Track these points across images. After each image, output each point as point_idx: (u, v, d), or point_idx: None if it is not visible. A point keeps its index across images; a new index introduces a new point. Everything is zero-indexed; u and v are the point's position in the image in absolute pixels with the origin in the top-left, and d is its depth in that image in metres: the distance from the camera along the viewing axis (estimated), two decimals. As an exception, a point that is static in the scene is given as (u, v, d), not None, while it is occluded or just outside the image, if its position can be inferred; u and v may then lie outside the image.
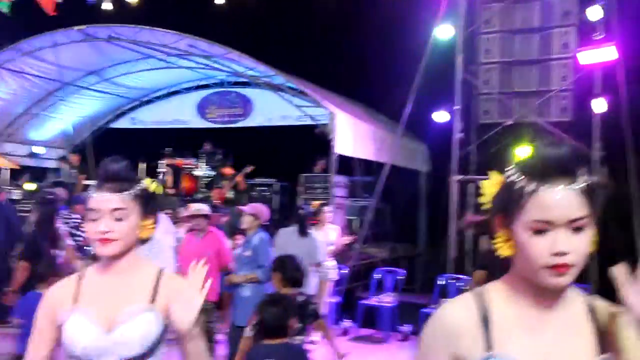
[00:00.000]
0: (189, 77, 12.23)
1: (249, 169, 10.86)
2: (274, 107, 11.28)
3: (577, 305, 1.28)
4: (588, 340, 1.24)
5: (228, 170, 11.39)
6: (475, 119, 8.88)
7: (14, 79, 11.01)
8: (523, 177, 1.21)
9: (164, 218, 5.42)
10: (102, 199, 1.71)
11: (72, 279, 1.81)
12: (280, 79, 9.69)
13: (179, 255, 5.85)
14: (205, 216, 5.72)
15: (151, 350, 1.70)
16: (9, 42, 9.99)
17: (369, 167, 10.68)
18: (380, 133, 9.97)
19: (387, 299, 7.43)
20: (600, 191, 1.21)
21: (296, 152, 10.53)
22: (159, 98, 13.08)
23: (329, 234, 6.96)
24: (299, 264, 3.96)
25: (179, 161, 12.05)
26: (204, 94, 12.62)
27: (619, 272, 1.18)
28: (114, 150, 7.53)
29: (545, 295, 1.25)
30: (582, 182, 1.18)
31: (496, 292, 1.30)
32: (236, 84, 12.11)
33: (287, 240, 6.09)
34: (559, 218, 1.17)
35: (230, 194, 10.84)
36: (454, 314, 1.29)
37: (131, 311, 1.70)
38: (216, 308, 5.68)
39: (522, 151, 8.86)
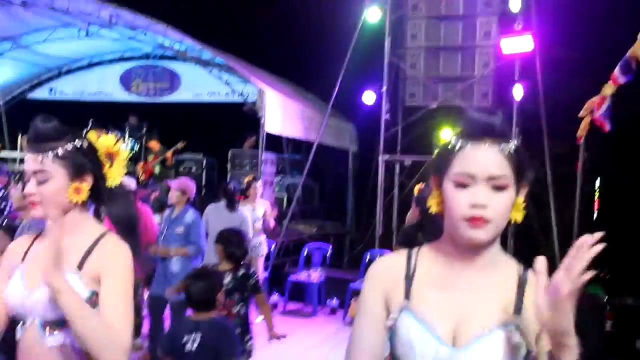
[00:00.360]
0: (112, 48, 11.75)
1: (181, 144, 10.68)
2: (202, 82, 11.06)
3: (506, 272, 1.35)
4: (500, 304, 1.30)
5: (154, 144, 11.14)
6: (402, 101, 9.11)
7: None
8: (454, 137, 1.33)
9: None
10: (27, 160, 1.68)
11: (31, 237, 1.81)
12: (208, 54, 9.51)
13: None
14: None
15: None
16: None
17: (298, 145, 10.75)
18: (309, 112, 10.03)
19: (315, 274, 7.58)
20: (525, 161, 1.32)
21: (225, 129, 10.43)
22: (79, 69, 12.50)
23: (258, 209, 7.00)
24: (241, 241, 3.88)
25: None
26: (128, 66, 12.16)
27: (541, 265, 1.21)
28: (31, 122, 7.17)
29: (467, 255, 1.33)
30: (506, 145, 1.28)
31: (426, 251, 1.41)
32: (163, 57, 11.76)
33: (216, 215, 6.13)
34: (480, 172, 1.27)
35: (156, 169, 10.64)
36: (386, 264, 1.43)
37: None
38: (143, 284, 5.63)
39: (446, 134, 9.23)
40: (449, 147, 1.33)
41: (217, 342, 2.90)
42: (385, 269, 1.41)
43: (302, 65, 10.73)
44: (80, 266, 1.65)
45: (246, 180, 7.30)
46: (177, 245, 5.07)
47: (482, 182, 1.27)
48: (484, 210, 1.26)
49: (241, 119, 9.22)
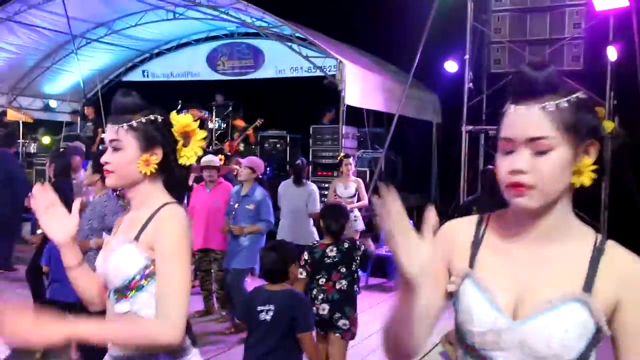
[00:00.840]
0: (198, 29, 12.12)
1: (259, 122, 10.89)
2: (284, 58, 11.17)
3: (579, 242, 1.24)
4: (567, 278, 1.21)
5: (239, 122, 11.43)
6: (487, 68, 8.76)
7: (24, 32, 11.02)
8: (508, 101, 1.24)
9: None
10: (106, 131, 1.76)
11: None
12: (288, 29, 9.57)
13: (190, 207, 6.00)
14: (216, 168, 5.82)
15: (131, 284, 1.68)
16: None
17: (380, 118, 10.64)
18: (389, 84, 9.89)
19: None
20: (585, 118, 1.19)
21: (306, 104, 10.50)
22: (169, 50, 13.01)
23: (350, 186, 7.04)
24: (339, 215, 3.87)
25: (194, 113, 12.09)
26: (214, 45, 12.52)
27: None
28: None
29: (529, 223, 1.25)
30: (551, 102, 1.17)
31: (495, 219, 1.34)
32: (246, 35, 11.99)
33: (285, 191, 6.25)
34: (518, 135, 1.18)
35: (241, 146, 10.92)
36: (455, 227, 1.38)
37: (115, 242, 1.75)
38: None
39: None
40: (502, 111, 1.25)
41: (290, 312, 2.96)
42: (453, 232, 1.37)
43: (383, 36, 10.57)
44: (137, 237, 1.70)
45: (339, 157, 7.36)
46: (248, 221, 5.23)
47: (521, 145, 1.18)
48: (523, 176, 1.17)
49: (322, 94, 9.24)
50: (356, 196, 7.02)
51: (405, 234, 1.12)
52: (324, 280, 3.74)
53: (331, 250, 3.77)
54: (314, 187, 6.36)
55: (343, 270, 3.72)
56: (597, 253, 1.22)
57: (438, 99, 11.28)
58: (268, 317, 2.95)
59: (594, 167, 1.20)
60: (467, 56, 8.36)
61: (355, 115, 9.49)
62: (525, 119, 1.18)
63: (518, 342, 1.20)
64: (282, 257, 3.11)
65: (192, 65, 12.75)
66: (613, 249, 1.23)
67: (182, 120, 1.79)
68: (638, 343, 1.17)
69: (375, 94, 9.44)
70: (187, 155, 1.79)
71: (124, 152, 1.72)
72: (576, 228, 1.27)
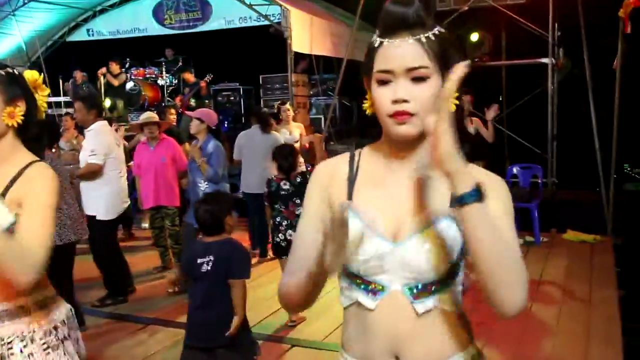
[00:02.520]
0: (141, -18, 11.73)
1: (208, 77, 10.74)
2: (232, 8, 10.88)
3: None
4: (438, 198, 1.28)
5: (189, 77, 11.25)
6: (433, 5, 8.72)
7: (-45, -4, 10.52)
8: (375, 35, 1.27)
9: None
10: None
11: None
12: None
13: (134, 165, 5.96)
14: (156, 124, 5.74)
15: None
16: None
17: (331, 64, 10.57)
18: (338, 28, 9.79)
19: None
20: (450, 49, 1.24)
21: (257, 54, 10.36)
22: (112, 7, 12.54)
23: (293, 132, 7.07)
24: (289, 154, 4.50)
25: (141, 71, 11.85)
26: (159, -1, 12.14)
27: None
28: (72, 65, 7.39)
29: (404, 152, 1.31)
30: (423, 34, 1.22)
31: (367, 152, 1.39)
32: (191, -14, 11.65)
33: (249, 140, 6.23)
34: (397, 67, 1.22)
35: (192, 101, 10.79)
36: (328, 168, 1.41)
37: None
38: (179, 213, 5.85)
39: (476, 37, 8.86)
40: (370, 46, 1.28)
41: (227, 261, 2.99)
42: (327, 171, 1.40)
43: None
44: (4, 194, 1.68)
45: (276, 105, 7.33)
46: (200, 173, 5.17)
47: (401, 76, 1.22)
48: (407, 105, 1.22)
49: (272, 43, 9.12)
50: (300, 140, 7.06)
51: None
52: (283, 208, 4.40)
53: (285, 184, 4.43)
54: (278, 136, 6.34)
55: (298, 201, 4.33)
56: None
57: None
58: (209, 268, 2.99)
59: (457, 94, 1.24)
60: (412, -5, 8.29)
61: (309, 62, 9.42)
62: (403, 51, 1.22)
63: (400, 263, 1.26)
64: (216, 209, 3.11)
65: (138, 21, 12.34)
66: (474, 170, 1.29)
67: (28, 74, 1.81)
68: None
69: (324, 39, 9.35)
70: (41, 105, 1.85)
71: None
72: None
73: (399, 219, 1.29)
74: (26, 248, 1.58)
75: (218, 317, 2.97)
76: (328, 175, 1.40)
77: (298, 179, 4.46)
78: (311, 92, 10.34)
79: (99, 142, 5.01)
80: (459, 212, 1.17)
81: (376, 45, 1.26)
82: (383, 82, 1.25)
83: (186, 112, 5.86)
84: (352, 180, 1.36)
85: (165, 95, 11.67)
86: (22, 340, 1.72)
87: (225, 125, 10.43)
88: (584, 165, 8.01)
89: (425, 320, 1.28)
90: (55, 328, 1.79)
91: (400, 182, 1.32)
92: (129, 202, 5.50)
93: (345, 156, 1.41)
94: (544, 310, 4.55)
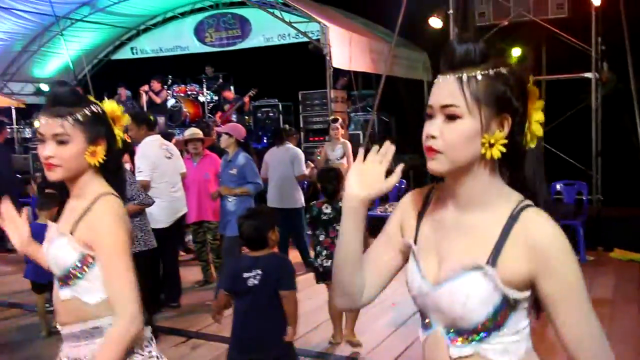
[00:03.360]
0: (182, 1, 12.01)
1: (253, 91, 10.89)
2: (271, 26, 11.06)
3: (498, 210, 1.26)
4: (478, 248, 1.25)
5: (229, 94, 11.42)
6: (472, 21, 8.68)
7: (7, 18, 10.96)
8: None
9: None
10: (45, 124, 1.71)
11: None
12: (272, -4, 9.49)
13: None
14: (200, 140, 5.86)
15: (69, 274, 1.74)
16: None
17: (370, 80, 10.60)
18: (376, 45, 9.82)
19: (391, 209, 7.59)
20: (498, 93, 1.20)
21: (296, 71, 10.46)
22: (155, 25, 12.91)
23: (337, 149, 7.12)
24: (334, 177, 4.30)
25: (182, 88, 12.10)
26: (200, 17, 12.40)
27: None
28: (116, 82, 7.63)
29: (454, 192, 1.30)
30: (466, 73, 1.21)
31: (439, 188, 1.40)
32: (232, 4, 11.87)
33: (270, 156, 6.40)
34: (434, 102, 1.24)
35: (233, 117, 10.94)
36: (411, 197, 1.45)
37: (53, 234, 1.80)
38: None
39: (518, 52, 8.74)
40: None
41: (275, 274, 3.04)
42: (408, 202, 1.44)
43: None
44: (72, 231, 1.73)
45: (331, 119, 7.43)
46: (233, 185, 5.25)
47: (437, 112, 1.24)
48: (434, 141, 1.23)
49: (311, 60, 9.20)
50: (344, 158, 7.09)
51: (374, 170, 1.32)
52: (323, 236, 4.20)
53: (326, 208, 4.20)
54: (297, 150, 6.41)
55: (338, 227, 3.85)
56: (511, 221, 1.24)
57: (427, 57, 11.20)
58: (256, 282, 3.02)
59: (505, 141, 1.22)
60: (451, 11, 8.28)
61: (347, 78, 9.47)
62: (442, 88, 1.23)
63: (435, 305, 1.29)
64: (260, 224, 3.15)
65: (179, 39, 12.66)
66: (528, 215, 1.24)
67: (108, 107, 1.82)
68: (563, 308, 1.22)
69: (363, 55, 9.39)
70: (119, 138, 1.85)
71: (71, 145, 1.71)
72: (497, 196, 1.28)
73: (442, 261, 1.30)
74: (118, 308, 1.71)
75: (266, 331, 3.01)
76: (409, 203, 1.44)
77: (340, 204, 4.25)
78: (350, 108, 10.39)
79: (143, 159, 5.13)
80: None
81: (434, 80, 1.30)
82: (428, 117, 1.27)
83: (216, 128, 5.97)
84: (420, 216, 1.40)
85: (206, 111, 11.87)
86: None
87: (265, 141, 10.54)
88: (630, 182, 7.81)
89: None
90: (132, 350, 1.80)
91: (448, 224, 1.33)
92: (184, 212, 5.57)
93: (425, 189, 1.44)
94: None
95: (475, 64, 1.21)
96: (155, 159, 5.19)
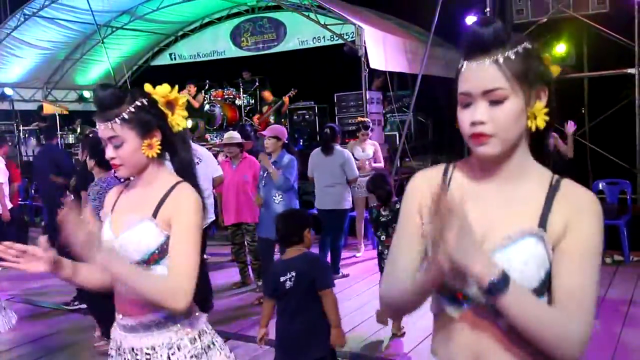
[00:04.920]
0: (219, 7, 12.18)
1: (293, 92, 10.96)
2: (306, 29, 11.13)
3: (537, 182, 1.32)
4: (525, 215, 1.28)
5: (267, 95, 11.53)
6: (509, 19, 8.55)
7: (51, 27, 11.31)
8: (461, 58, 1.30)
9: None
10: (100, 129, 1.78)
11: (119, 188, 1.98)
12: (307, -1, 9.53)
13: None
14: (238, 144, 5.92)
15: (150, 258, 1.77)
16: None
17: (406, 80, 10.54)
18: (412, 45, 9.76)
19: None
20: (533, 65, 1.25)
21: (331, 72, 10.48)
22: (193, 31, 13.13)
23: (367, 150, 7.13)
24: (383, 182, 4.60)
25: (220, 92, 12.27)
26: (236, 22, 12.55)
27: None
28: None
29: (491, 168, 1.33)
30: (497, 56, 1.23)
31: (460, 165, 1.41)
32: (267, 8, 11.99)
33: (316, 160, 6.33)
34: (474, 89, 1.25)
35: (271, 119, 11.03)
36: (423, 178, 1.44)
37: (132, 220, 1.81)
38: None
39: (560, 48, 8.56)
40: (457, 69, 1.32)
41: (309, 274, 3.07)
42: (422, 184, 1.43)
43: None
44: (155, 214, 1.77)
45: (358, 120, 7.44)
46: (276, 187, 5.28)
47: (478, 98, 1.25)
48: (483, 127, 1.25)
49: (346, 61, 9.20)
50: (373, 158, 7.13)
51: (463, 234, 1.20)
52: (384, 237, 4.49)
53: (384, 210, 4.51)
54: (346, 153, 6.37)
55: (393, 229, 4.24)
56: (552, 191, 1.30)
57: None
58: (292, 284, 3.06)
59: (546, 109, 1.27)
60: (488, 9, 8.18)
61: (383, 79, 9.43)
62: (480, 74, 1.24)
63: None
64: (295, 222, 3.23)
65: (216, 44, 12.85)
66: (567, 186, 1.32)
67: (160, 91, 1.82)
68: (566, 261, 1.25)
69: (399, 56, 9.34)
70: (177, 122, 1.85)
71: (126, 145, 1.76)
72: (534, 170, 1.34)
73: (485, 233, 1.28)
74: (173, 280, 1.72)
75: (307, 331, 3.04)
76: (422, 186, 1.42)
77: (397, 206, 4.53)
78: (386, 109, 10.34)
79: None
80: (494, 302, 1.20)
81: (460, 67, 1.29)
82: (464, 105, 1.28)
83: (260, 132, 6.01)
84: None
85: (243, 115, 11.99)
86: (170, 349, 1.80)
87: (301, 143, 10.59)
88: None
89: (508, 336, 1.27)
90: (200, 335, 1.86)
91: (488, 196, 1.33)
92: (212, 219, 5.59)
93: (440, 167, 1.44)
94: (633, 335, 4.31)
95: (504, 44, 1.24)
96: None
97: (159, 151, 1.80)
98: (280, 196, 5.32)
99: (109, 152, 1.78)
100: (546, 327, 1.20)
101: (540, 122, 1.27)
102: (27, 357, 4.54)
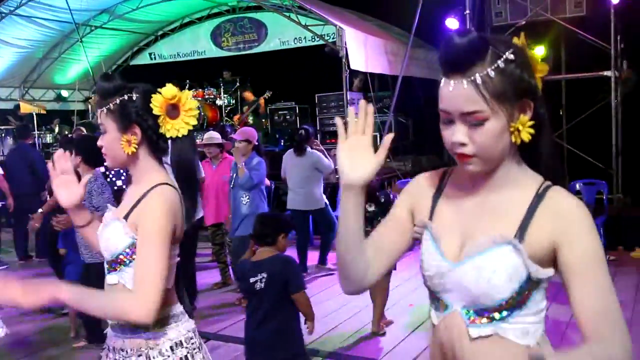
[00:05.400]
0: (199, 6, 12.11)
1: (267, 94, 10.96)
2: (287, 29, 11.13)
3: (524, 190, 1.27)
4: (504, 224, 1.24)
5: (248, 95, 11.51)
6: (489, 21, 8.65)
7: (28, 26, 11.14)
8: (441, 72, 1.25)
9: None
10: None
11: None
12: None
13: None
14: (218, 144, 5.90)
15: (119, 259, 1.74)
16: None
17: (386, 82, 10.58)
18: (393, 46, 9.82)
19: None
20: (515, 80, 1.18)
21: (312, 73, 10.49)
22: (173, 31, 13.03)
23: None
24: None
25: (200, 92, 12.21)
26: (217, 22, 12.49)
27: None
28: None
29: (475, 177, 1.30)
30: (475, 75, 1.16)
31: (456, 171, 1.39)
32: (248, 9, 11.95)
33: (288, 161, 6.41)
34: (453, 110, 1.20)
35: (250, 119, 11.00)
36: (422, 180, 1.44)
37: (107, 217, 1.82)
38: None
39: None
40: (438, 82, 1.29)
41: (281, 277, 3.05)
42: (419, 185, 1.43)
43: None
44: (127, 215, 1.74)
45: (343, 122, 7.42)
46: (245, 189, 5.31)
47: (457, 118, 1.21)
48: (464, 148, 1.21)
49: (327, 62, 9.21)
50: None
51: (360, 143, 1.28)
52: (369, 229, 4.33)
53: (370, 206, 4.54)
54: (317, 154, 6.40)
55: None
56: (537, 199, 1.25)
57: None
58: (262, 285, 3.04)
59: (531, 122, 1.22)
60: (467, 11, 8.26)
61: (363, 80, 9.47)
62: (457, 94, 1.19)
63: (456, 284, 1.27)
64: (272, 224, 3.24)
65: (197, 44, 12.78)
66: (553, 193, 1.25)
67: (167, 92, 1.75)
68: (580, 281, 1.19)
69: (379, 57, 9.38)
70: (176, 127, 1.78)
71: (108, 134, 1.76)
72: (523, 178, 1.29)
73: (464, 241, 1.29)
74: (134, 294, 1.66)
75: (276, 333, 3.02)
76: (421, 186, 1.42)
77: (382, 199, 4.61)
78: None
79: None
80: None
81: (440, 81, 1.24)
82: (445, 121, 1.25)
83: (232, 136, 6.00)
84: (436, 197, 1.38)
85: (224, 115, 11.95)
86: (139, 356, 1.76)
87: (282, 144, 10.59)
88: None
89: (480, 346, 1.25)
90: (174, 348, 1.78)
91: (472, 205, 1.32)
92: (199, 216, 5.51)
93: (440, 171, 1.43)
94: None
95: (483, 59, 1.17)
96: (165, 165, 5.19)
97: (135, 149, 1.75)
98: (247, 197, 5.34)
99: (99, 140, 1.80)
100: None
101: (525, 135, 1.21)
102: (7, 357, 4.48)
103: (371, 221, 4.48)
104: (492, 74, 1.17)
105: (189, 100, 1.79)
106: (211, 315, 5.27)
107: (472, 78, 1.17)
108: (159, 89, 1.78)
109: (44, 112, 11.85)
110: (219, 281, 6.19)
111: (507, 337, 1.24)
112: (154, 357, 1.75)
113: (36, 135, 11.99)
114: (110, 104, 1.74)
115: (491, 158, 1.23)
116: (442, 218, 1.34)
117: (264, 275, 3.05)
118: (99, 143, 1.80)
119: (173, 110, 1.77)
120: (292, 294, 3.02)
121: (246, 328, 3.14)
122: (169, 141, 1.83)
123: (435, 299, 1.34)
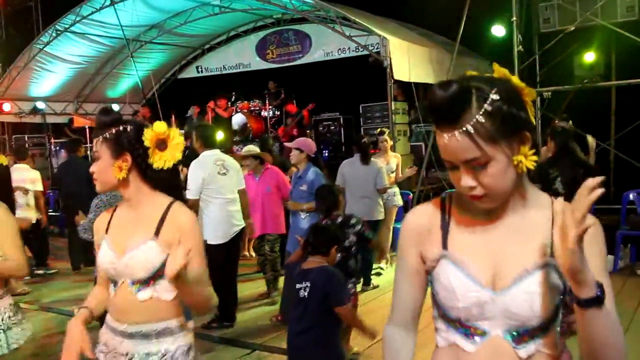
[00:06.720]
0: (245, 20, 12.32)
1: (310, 106, 11.03)
2: (331, 40, 11.21)
3: (541, 209, 1.31)
4: (536, 245, 1.27)
5: (292, 108, 11.60)
6: (536, 28, 8.48)
7: (82, 42, 11.57)
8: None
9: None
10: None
11: (110, 211, 2.07)
12: (332, 11, 9.57)
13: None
14: (255, 157, 5.92)
15: (156, 275, 1.89)
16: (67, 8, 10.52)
17: (431, 90, 10.47)
18: (437, 55, 9.73)
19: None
20: (508, 120, 1.19)
21: (357, 84, 10.52)
22: (219, 44, 13.30)
23: (390, 162, 7.06)
24: (326, 194, 4.32)
25: (245, 104, 12.40)
26: (262, 35, 12.70)
27: (559, 205, 1.15)
28: (183, 100, 7.94)
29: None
30: (465, 126, 1.18)
31: (458, 197, 1.38)
32: (292, 21, 12.09)
33: (351, 169, 6.26)
34: (454, 159, 1.23)
35: (295, 131, 11.09)
36: (418, 215, 1.42)
37: (136, 241, 1.91)
38: (282, 239, 5.96)
39: (589, 57, 8.45)
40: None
41: (323, 289, 3.07)
42: (418, 221, 1.41)
43: (427, 7, 10.37)
44: (157, 233, 1.90)
45: (377, 132, 7.38)
46: (303, 201, 5.27)
47: (462, 165, 1.23)
48: (474, 190, 1.24)
49: (371, 72, 9.21)
50: (395, 171, 7.02)
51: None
52: None
53: (326, 223, 4.12)
54: (380, 164, 6.33)
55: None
56: (554, 216, 1.26)
57: (489, 65, 11.01)
58: (306, 294, 3.07)
59: (532, 151, 1.23)
60: (514, 18, 8.11)
61: (406, 90, 9.42)
62: (453, 145, 1.20)
63: (502, 311, 1.26)
64: (328, 235, 3.27)
65: (242, 56, 13.01)
66: (564, 206, 1.22)
67: (157, 128, 1.93)
68: None
69: (424, 66, 9.32)
70: (164, 159, 1.94)
71: (101, 161, 1.93)
72: (534, 198, 1.32)
73: (497, 266, 1.28)
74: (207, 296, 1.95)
75: (315, 343, 3.03)
76: (420, 225, 1.40)
77: (339, 219, 4.21)
78: (411, 119, 10.31)
79: (191, 177, 5.20)
80: (579, 312, 1.15)
81: (435, 132, 1.25)
82: (450, 167, 1.26)
83: (285, 143, 6.03)
84: (445, 227, 1.36)
85: (269, 126, 12.09)
86: (163, 356, 1.91)
87: (326, 154, 10.63)
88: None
89: None
90: (189, 350, 1.98)
91: (495, 227, 1.31)
92: (242, 226, 5.44)
93: (436, 203, 1.41)
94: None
95: (469, 106, 1.19)
96: (206, 175, 5.18)
97: (125, 175, 1.91)
98: (307, 213, 5.29)
99: (92, 166, 1.96)
100: (616, 334, 1.19)
101: (530, 164, 1.23)
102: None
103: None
104: (481, 119, 1.19)
105: (177, 136, 1.96)
106: (256, 326, 5.30)
107: (464, 129, 1.19)
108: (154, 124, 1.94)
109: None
110: (264, 292, 6.22)
111: (545, 351, 1.27)
112: (176, 358, 1.92)
113: (89, 148, 12.42)
114: (107, 133, 1.91)
115: (502, 193, 1.25)
116: (461, 245, 1.33)
117: (308, 284, 3.08)
118: (91, 169, 1.95)
119: (162, 144, 1.93)
120: (333, 307, 3.02)
121: (289, 334, 3.16)
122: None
123: (464, 327, 1.32)
